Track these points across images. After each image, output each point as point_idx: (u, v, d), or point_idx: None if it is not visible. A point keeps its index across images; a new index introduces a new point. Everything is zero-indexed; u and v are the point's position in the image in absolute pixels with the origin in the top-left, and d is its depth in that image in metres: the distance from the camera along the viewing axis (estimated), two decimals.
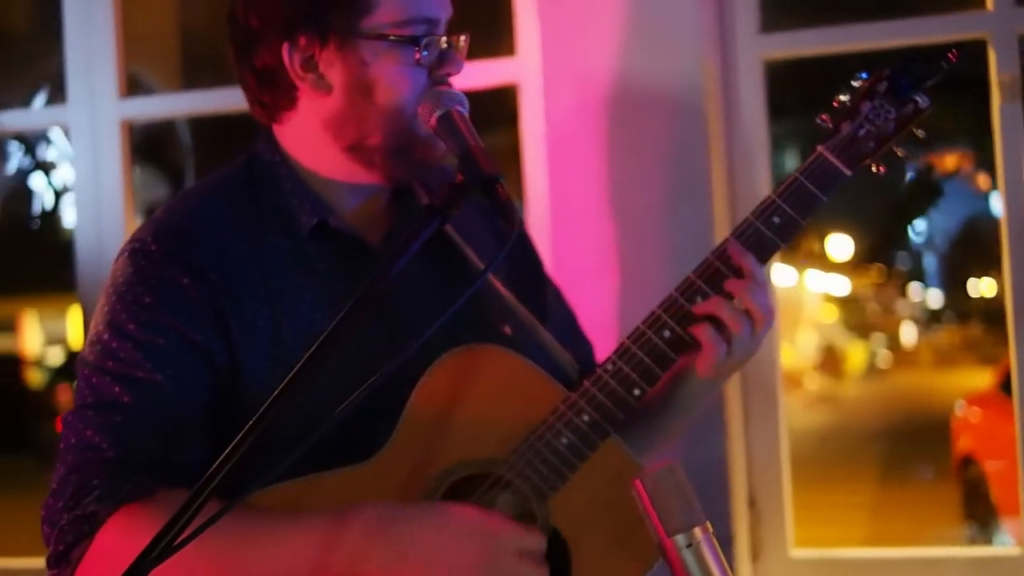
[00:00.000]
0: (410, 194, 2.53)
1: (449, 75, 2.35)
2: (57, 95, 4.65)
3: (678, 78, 3.80)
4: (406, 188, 2.52)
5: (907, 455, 16.52)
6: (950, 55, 2.39)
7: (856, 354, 23.94)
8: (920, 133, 2.39)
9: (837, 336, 24.04)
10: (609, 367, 2.30)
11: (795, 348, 23.41)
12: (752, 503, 3.92)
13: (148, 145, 5.92)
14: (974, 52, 2.48)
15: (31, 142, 4.98)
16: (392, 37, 2.30)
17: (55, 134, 4.61)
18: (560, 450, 2.27)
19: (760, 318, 2.31)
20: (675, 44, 3.80)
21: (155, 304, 2.28)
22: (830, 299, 25.33)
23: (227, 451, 1.83)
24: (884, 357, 24.67)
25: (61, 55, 4.51)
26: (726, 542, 3.75)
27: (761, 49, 3.93)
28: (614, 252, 3.81)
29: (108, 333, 2.29)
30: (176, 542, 1.80)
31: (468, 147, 2.19)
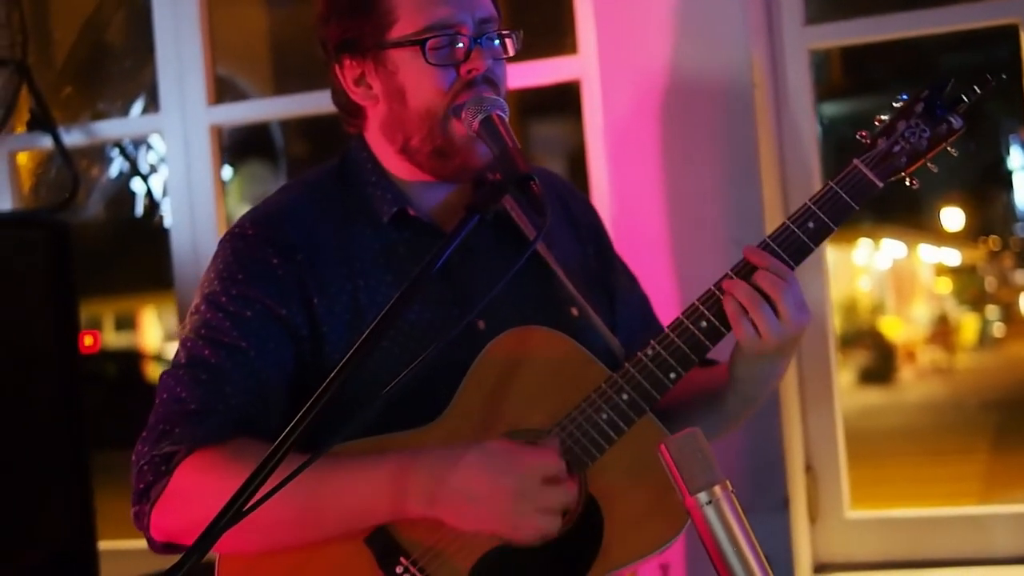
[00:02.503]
0: (486, 183, 2.68)
1: (476, 71, 2.53)
2: (152, 104, 4.92)
3: (728, 70, 3.96)
4: (485, 179, 2.68)
5: (1021, 425, 16.31)
6: (986, 80, 2.57)
7: (969, 325, 23.53)
8: (954, 152, 2.57)
9: (951, 308, 23.67)
10: (649, 352, 2.51)
11: (908, 321, 23.13)
12: (809, 468, 4.10)
13: (249, 145, 6.16)
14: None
15: (128, 149, 5.24)
16: (408, 43, 2.52)
17: (155, 140, 4.87)
18: (599, 424, 2.48)
19: (782, 306, 2.48)
20: (724, 38, 3.96)
21: (246, 280, 2.56)
22: (943, 271, 24.97)
23: (303, 410, 2.03)
24: (998, 328, 24.23)
25: (154, 66, 4.79)
26: (783, 506, 3.94)
27: (806, 40, 4.10)
28: (671, 238, 3.98)
29: (204, 305, 2.58)
30: (259, 495, 1.99)
31: (506, 148, 2.39)
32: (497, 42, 2.60)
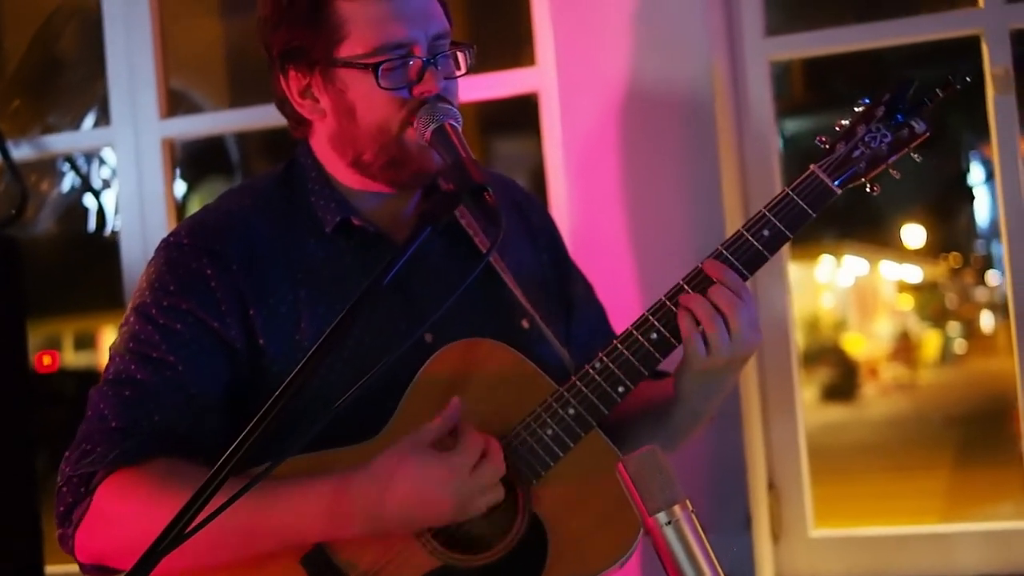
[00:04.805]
0: (438, 192, 2.64)
1: (429, 93, 2.46)
2: (104, 117, 4.83)
3: (689, 81, 3.92)
4: (435, 186, 2.64)
5: (981, 439, 16.35)
6: (949, 83, 2.50)
7: (931, 342, 23.67)
8: (917, 157, 2.50)
9: (912, 324, 23.81)
10: (597, 365, 2.45)
11: (870, 338, 23.24)
12: (771, 486, 4.05)
13: (203, 161, 6.09)
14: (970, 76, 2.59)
15: (78, 163, 5.17)
16: (359, 65, 2.45)
17: (108, 154, 4.81)
18: (544, 440, 2.43)
19: (735, 324, 2.42)
20: (685, 49, 3.92)
21: (178, 292, 2.49)
22: (905, 287, 25.11)
23: (247, 430, 1.98)
24: (960, 344, 24.41)
25: (105, 78, 4.69)
26: (745, 524, 3.89)
27: (767, 51, 4.05)
28: (632, 250, 3.94)
29: (134, 316, 2.52)
30: (198, 520, 1.95)
31: (459, 158, 2.34)
32: (449, 57, 2.55)
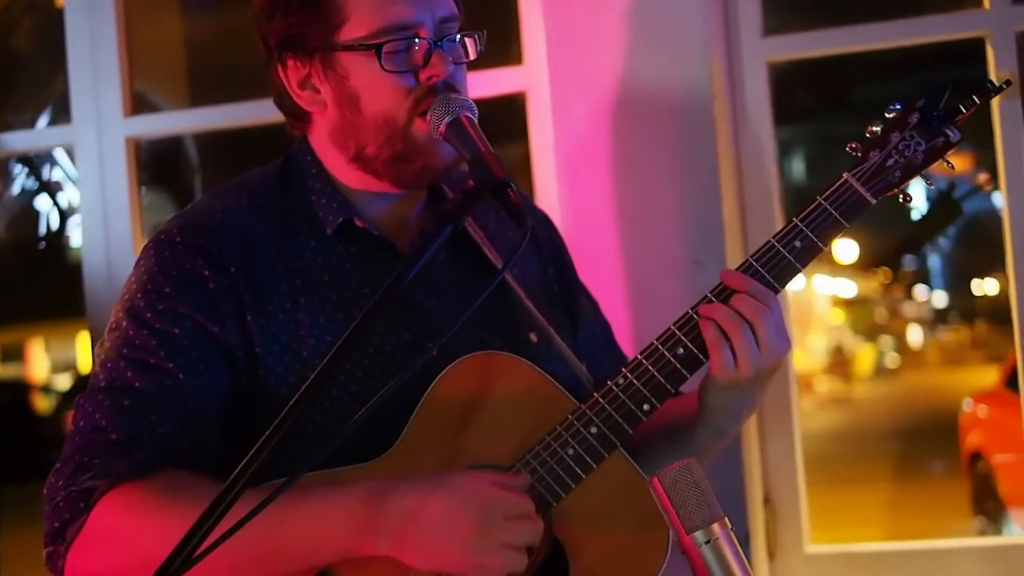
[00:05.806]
0: (443, 198, 2.57)
1: (437, 77, 2.36)
2: (62, 115, 4.64)
3: (685, 82, 3.81)
4: (440, 192, 2.55)
5: (919, 453, 16.58)
6: (987, 89, 2.43)
7: (865, 356, 24.01)
8: (950, 166, 2.43)
9: (846, 338, 24.14)
10: (620, 381, 2.34)
11: (805, 351, 23.46)
12: (767, 501, 3.93)
13: (157, 166, 5.91)
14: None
15: (36, 163, 4.99)
16: (361, 47, 2.34)
17: (60, 155, 4.65)
18: (565, 460, 2.31)
19: (762, 332, 2.32)
20: (680, 49, 3.81)
21: (174, 294, 2.34)
22: (838, 302, 25.39)
23: (256, 446, 1.85)
24: (892, 358, 24.77)
25: (66, 75, 4.49)
26: (743, 540, 3.75)
27: (765, 52, 3.93)
28: (626, 258, 3.82)
29: (127, 320, 2.36)
30: (210, 539, 1.81)
31: (478, 152, 2.22)
32: (457, 42, 2.44)
